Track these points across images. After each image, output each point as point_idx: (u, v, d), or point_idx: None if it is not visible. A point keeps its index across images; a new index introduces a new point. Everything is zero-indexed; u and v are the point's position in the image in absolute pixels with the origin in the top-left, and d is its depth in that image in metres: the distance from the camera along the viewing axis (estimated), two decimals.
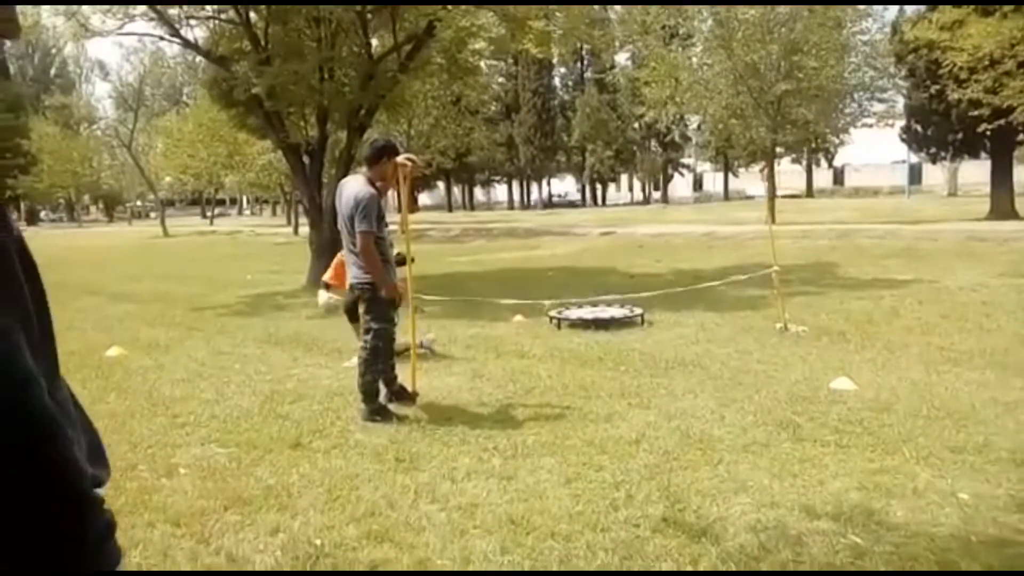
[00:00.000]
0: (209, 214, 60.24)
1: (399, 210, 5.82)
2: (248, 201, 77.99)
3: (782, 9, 23.09)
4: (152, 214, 71.45)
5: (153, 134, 52.16)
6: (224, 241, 33.30)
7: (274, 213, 66.00)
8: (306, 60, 12.25)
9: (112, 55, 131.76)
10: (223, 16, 12.88)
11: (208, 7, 12.75)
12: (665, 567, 3.12)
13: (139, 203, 74.77)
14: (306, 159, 13.55)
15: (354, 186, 5.21)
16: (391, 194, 5.80)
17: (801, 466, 4.16)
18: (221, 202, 71.14)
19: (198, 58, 16.79)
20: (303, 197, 14.26)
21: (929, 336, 7.55)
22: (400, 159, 5.33)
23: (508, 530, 3.50)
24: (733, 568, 3.08)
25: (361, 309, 5.38)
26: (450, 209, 59.64)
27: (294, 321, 9.94)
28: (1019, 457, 4.13)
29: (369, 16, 12.12)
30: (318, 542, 3.44)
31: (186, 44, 13.34)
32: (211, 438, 5.01)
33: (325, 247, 13.24)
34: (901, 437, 4.56)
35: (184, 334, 9.22)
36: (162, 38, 13.71)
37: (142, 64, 50.45)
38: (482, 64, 16.86)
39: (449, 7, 11.27)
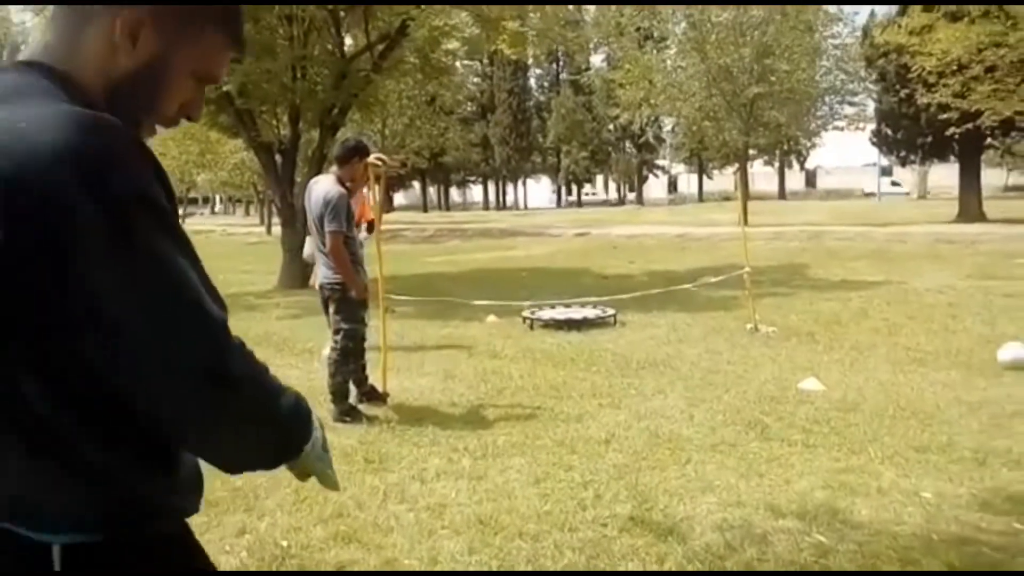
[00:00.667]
0: (180, 213, 59.68)
1: (387, 211, 5.81)
2: (221, 200, 77.35)
3: (755, 12, 23.33)
4: None
5: None
6: (195, 241, 32.75)
7: (247, 212, 65.53)
8: (278, 58, 12.17)
9: None
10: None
11: None
12: (631, 566, 3.13)
13: None
14: (278, 158, 13.46)
15: (323, 186, 5.18)
16: (367, 193, 5.79)
17: (768, 465, 4.20)
18: (193, 201, 70.39)
19: None
20: (275, 196, 14.17)
21: (896, 337, 7.65)
22: (371, 159, 5.31)
23: (476, 530, 3.50)
24: (699, 567, 3.10)
25: (331, 310, 5.35)
26: (425, 209, 59.52)
27: (265, 321, 9.86)
28: (981, 456, 4.19)
29: (342, 15, 12.05)
30: (284, 543, 3.42)
31: None
32: None
33: (298, 247, 13.15)
34: (867, 437, 4.62)
35: None
36: None
37: None
38: (457, 64, 16.84)
39: (423, 7, 11.24)
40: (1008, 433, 4.57)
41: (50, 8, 1.39)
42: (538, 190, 66.72)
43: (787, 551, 3.21)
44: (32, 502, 1.03)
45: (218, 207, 79.91)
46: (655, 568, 3.11)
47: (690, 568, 3.10)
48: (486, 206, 63.45)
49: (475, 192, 70.71)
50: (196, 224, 50.71)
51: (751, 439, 4.66)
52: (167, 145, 38.98)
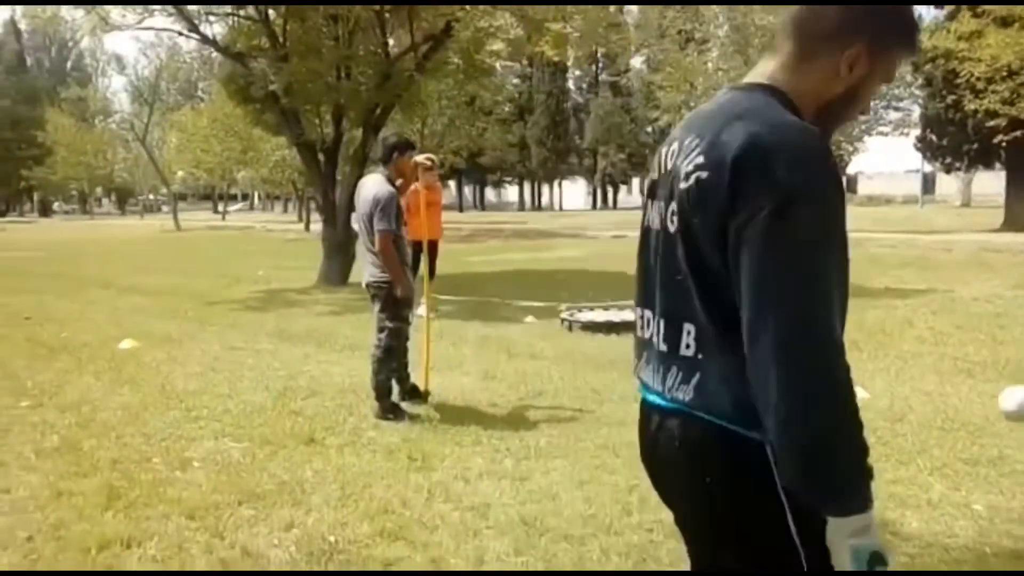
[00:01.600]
0: (221, 209, 60.52)
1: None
2: (260, 197, 78.31)
3: None
4: (164, 208, 71.83)
5: (167, 128, 52.48)
6: (236, 236, 33.42)
7: (285, 210, 66.25)
8: (323, 58, 12.30)
9: (129, 49, 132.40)
10: (242, 13, 12.94)
11: (227, 5, 12.81)
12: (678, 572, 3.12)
13: (151, 197, 75.18)
14: (321, 157, 13.59)
15: (373, 185, 5.22)
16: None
17: None
18: (233, 197, 71.48)
19: (214, 53, 16.84)
20: (317, 194, 14.31)
21: (942, 347, 7.51)
22: (420, 158, 5.35)
23: (521, 531, 3.51)
24: None
25: (376, 308, 5.39)
26: (461, 209, 59.69)
27: (306, 317, 9.97)
28: None
29: (387, 15, 12.14)
30: (332, 538, 3.46)
31: (204, 40, 13.41)
32: (224, 432, 5.04)
33: (338, 245, 13.31)
34: (915, 448, 4.54)
35: (197, 328, 9.27)
36: (180, 33, 13.77)
37: (158, 58, 50.78)
38: (497, 65, 16.86)
39: (467, 8, 11.29)
40: None
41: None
42: (573, 191, 66.59)
43: None
44: (746, 405, 1.32)
45: (256, 203, 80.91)
46: None
47: None
48: (521, 207, 63.48)
49: (510, 192, 70.75)
50: (236, 220, 51.46)
51: None
52: (210, 142, 39.72)
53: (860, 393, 5.60)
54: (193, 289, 13.33)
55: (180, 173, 51.60)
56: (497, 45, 12.73)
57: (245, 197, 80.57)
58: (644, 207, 1.60)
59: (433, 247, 9.47)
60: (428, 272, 9.41)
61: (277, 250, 24.01)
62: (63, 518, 3.67)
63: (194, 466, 4.43)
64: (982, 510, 3.64)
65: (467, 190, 66.76)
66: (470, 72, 13.76)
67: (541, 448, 4.64)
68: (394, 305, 5.28)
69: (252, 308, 11.05)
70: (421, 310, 8.15)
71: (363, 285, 5.45)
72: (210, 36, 13.55)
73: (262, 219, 52.56)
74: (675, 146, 1.47)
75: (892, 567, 1.31)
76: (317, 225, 27.77)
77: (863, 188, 63.91)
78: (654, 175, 1.56)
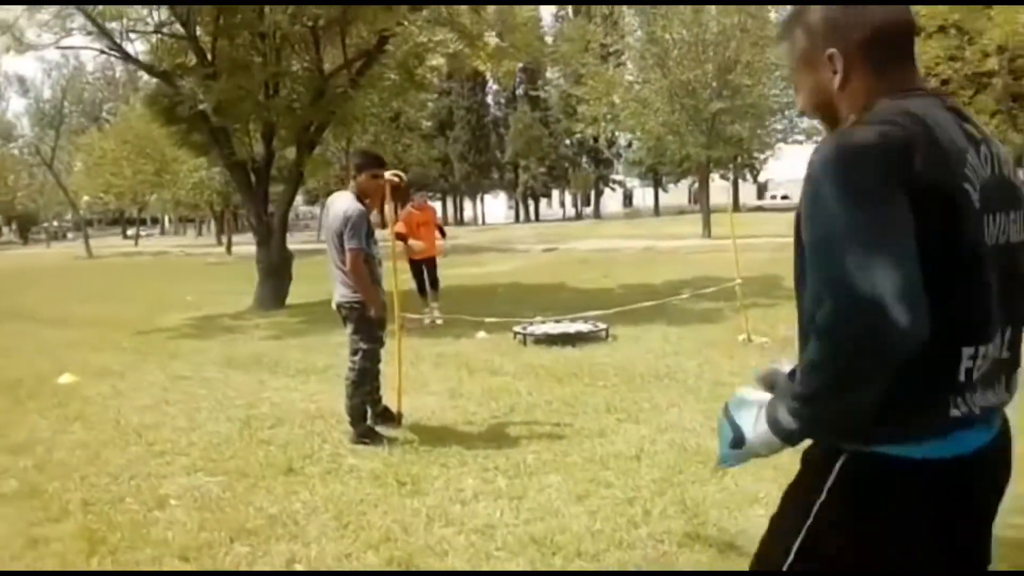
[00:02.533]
0: (132, 234, 58.40)
1: (382, 226, 5.74)
2: (170, 220, 75.89)
3: (714, 30, 23.74)
4: (70, 235, 68.89)
5: (73, 152, 50.45)
6: (152, 262, 32.30)
7: (199, 233, 64.38)
8: (253, 75, 12.00)
9: (31, 69, 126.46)
10: (166, 30, 12.52)
11: (152, 22, 12.35)
12: None
13: (56, 223, 72.01)
14: (252, 176, 13.24)
15: (342, 202, 5.09)
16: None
17: None
18: (143, 222, 69.17)
19: (118, 73, 16.20)
20: (249, 215, 13.92)
21: None
22: (388, 175, 5.24)
23: (533, 551, 3.44)
24: None
25: (348, 329, 5.25)
26: (383, 226, 59.14)
27: (250, 343, 9.67)
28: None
29: (319, 31, 11.94)
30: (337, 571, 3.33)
31: (127, 58, 12.91)
32: (196, 467, 4.81)
33: (273, 267, 12.98)
34: None
35: (136, 359, 8.88)
36: (102, 51, 13.19)
37: (63, 79, 48.83)
38: (435, 80, 16.80)
39: (404, 23, 11.20)
40: None
41: None
42: (496, 206, 66.84)
43: None
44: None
45: (168, 227, 78.38)
46: None
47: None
48: (445, 222, 63.22)
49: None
50: (149, 245, 49.73)
51: None
52: (120, 165, 38.35)
53: None
54: (121, 318, 12.78)
55: (86, 198, 49.59)
56: (437, 60, 12.67)
57: (155, 221, 77.99)
58: (964, 223, 1.35)
59: (431, 263, 10.54)
60: (430, 285, 10.50)
61: (200, 274, 23.29)
62: (46, 567, 3.43)
63: (172, 504, 4.21)
64: None
65: (387, 208, 66.15)
66: (406, 87, 13.65)
67: (530, 465, 4.58)
68: (367, 326, 5.15)
69: (189, 336, 10.66)
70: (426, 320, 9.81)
71: (333, 306, 5.30)
72: (132, 55, 13.05)
73: (176, 243, 50.95)
74: (986, 152, 1.42)
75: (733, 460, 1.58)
76: (239, 247, 27.11)
77: (773, 193, 66.15)
78: (974, 189, 1.36)
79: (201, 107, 11.47)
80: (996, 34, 18.35)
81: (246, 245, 24.10)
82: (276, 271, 12.79)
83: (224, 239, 36.16)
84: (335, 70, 12.39)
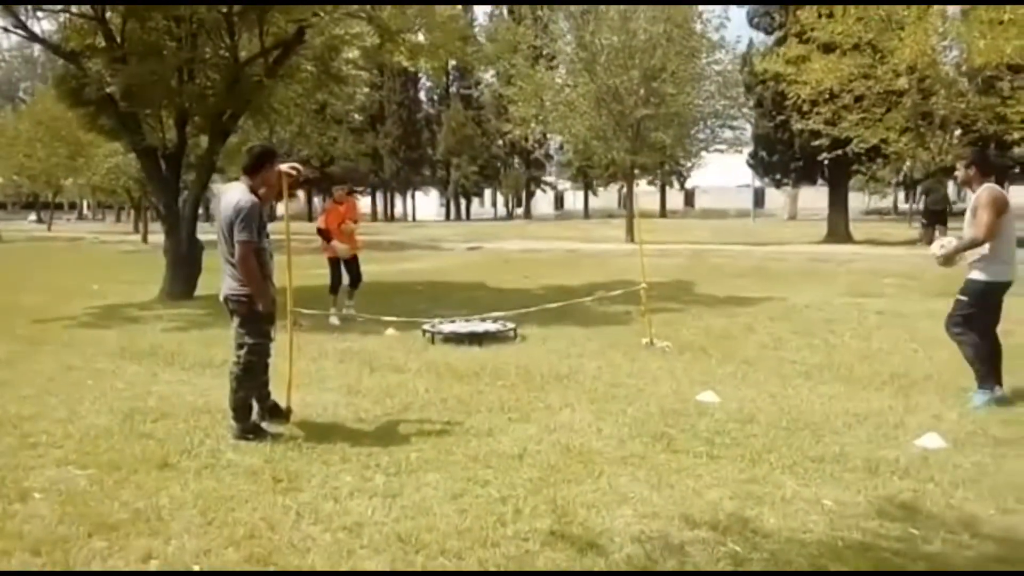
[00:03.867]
0: (46, 219, 56.14)
1: (270, 219, 5.65)
2: (89, 206, 73.28)
3: (641, 37, 24.08)
4: None
5: None
6: (64, 248, 31.14)
7: (118, 219, 62.33)
8: (165, 60, 11.67)
9: None
10: (75, 9, 12.07)
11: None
12: None
13: None
14: (163, 164, 12.87)
15: (235, 193, 4.99)
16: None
17: (677, 476, 4.32)
18: (59, 206, 66.52)
19: (36, 52, 15.63)
20: (158, 203, 13.53)
21: (782, 351, 8.02)
22: (285, 168, 5.16)
23: (397, 549, 3.44)
24: None
25: (234, 323, 5.15)
26: (310, 219, 58.22)
27: (150, 334, 9.40)
28: (872, 465, 4.44)
29: (235, 18, 11.67)
30: (196, 567, 3.27)
31: (32, 38, 12.41)
32: (67, 459, 4.66)
33: (182, 257, 12.66)
34: (766, 447, 4.81)
35: (28, 348, 8.54)
36: (6, 30, 12.64)
37: None
38: (352, 73, 16.59)
39: (321, 13, 11.03)
40: (894, 444, 4.87)
41: None
42: (427, 203, 66.48)
43: (705, 561, 3.31)
44: None
45: (86, 213, 75.64)
46: None
47: None
48: (374, 217, 62.67)
49: (363, 203, 69.74)
50: (64, 230, 47.90)
51: (658, 451, 4.78)
52: (33, 147, 36.83)
53: (711, 397, 5.91)
54: (20, 305, 12.29)
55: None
56: (353, 53, 12.50)
57: (73, 206, 75.21)
58: None
59: (354, 259, 10.39)
60: (350, 283, 10.34)
61: (112, 262, 22.55)
62: None
63: (35, 497, 4.07)
64: (832, 505, 3.90)
65: (316, 200, 65.20)
66: (324, 79, 13.45)
67: (412, 462, 4.58)
68: (255, 320, 5.07)
69: (89, 325, 10.31)
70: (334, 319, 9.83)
71: (220, 299, 5.20)
72: (39, 34, 12.54)
73: (93, 229, 49.20)
74: None
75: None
76: (155, 236, 26.28)
77: (700, 202, 67.47)
78: None
79: (109, 90, 11.10)
80: (906, 54, 19.09)
81: (163, 234, 23.40)
82: (185, 261, 12.47)
83: (141, 227, 35.08)
84: (251, 59, 12.13)
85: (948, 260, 5.99)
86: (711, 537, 3.52)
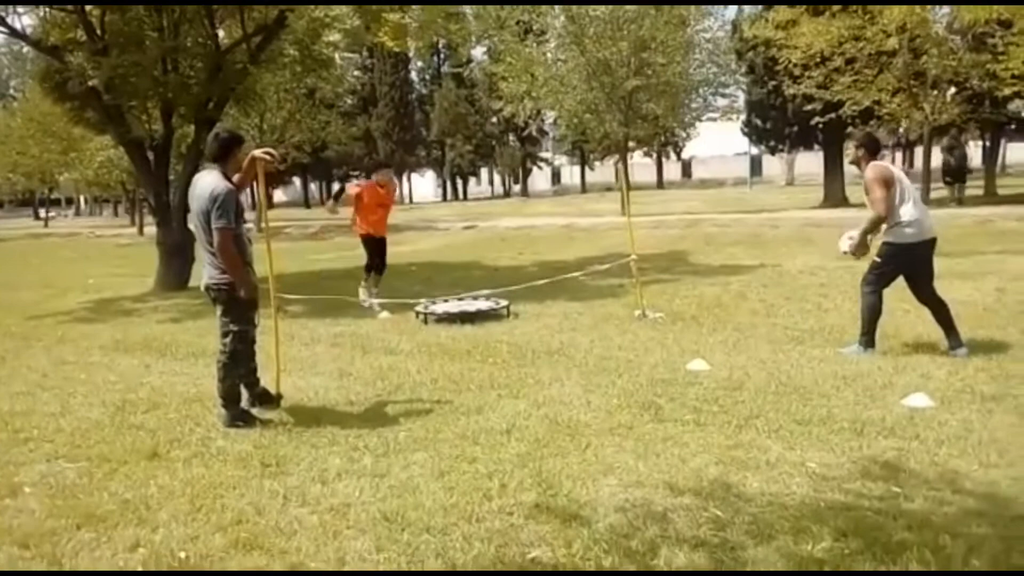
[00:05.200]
0: (43, 215, 56.05)
1: (253, 207, 5.63)
2: (86, 201, 73.13)
3: (630, 8, 23.85)
4: None
5: None
6: (61, 243, 31.13)
7: (115, 213, 62.18)
8: (147, 50, 11.60)
9: None
10: (54, 4, 11.97)
11: None
12: (539, 552, 3.18)
13: None
14: (150, 155, 12.83)
15: (210, 180, 4.97)
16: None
17: (664, 445, 4.34)
18: (56, 202, 66.39)
19: (26, 48, 15.53)
20: (148, 195, 13.50)
21: (774, 317, 8.03)
22: (257, 153, 5.14)
23: (383, 527, 3.47)
24: (605, 548, 3.16)
25: (218, 311, 5.16)
26: (307, 205, 58.13)
27: (144, 326, 9.42)
28: (858, 427, 4.47)
29: (215, 6, 11.58)
30: (182, 554, 3.30)
31: (13, 33, 12.31)
32: (58, 453, 4.69)
33: (175, 247, 12.66)
34: (753, 413, 4.83)
35: (21, 344, 8.57)
36: None
37: None
38: (336, 57, 16.48)
39: None
40: (881, 404, 4.88)
41: None
42: (423, 184, 66.25)
43: (687, 527, 3.33)
44: None
45: (83, 208, 75.51)
46: (563, 552, 3.16)
47: (596, 549, 3.16)
48: None
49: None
50: (61, 226, 47.84)
51: (646, 421, 4.80)
52: (26, 144, 36.66)
53: (701, 365, 5.92)
54: (16, 302, 12.32)
55: None
56: (334, 36, 12.41)
57: (70, 202, 75.06)
58: None
59: (384, 242, 10.10)
60: (377, 268, 9.98)
61: (108, 256, 22.56)
62: None
63: (25, 492, 4.10)
64: (816, 467, 3.92)
65: (313, 186, 65.05)
66: (308, 64, 13.36)
67: (400, 442, 4.60)
68: (237, 307, 5.07)
69: (83, 320, 10.33)
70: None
71: (202, 288, 5.20)
72: (19, 29, 12.45)
73: (90, 224, 49.11)
74: None
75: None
76: (151, 228, 26.29)
77: (697, 172, 67.20)
78: None
79: (92, 84, 11.04)
80: (895, 13, 18.90)
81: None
82: (178, 251, 12.46)
83: (136, 219, 35.01)
84: (232, 45, 12.05)
85: (860, 248, 6.33)
86: (694, 503, 3.55)
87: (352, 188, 10.18)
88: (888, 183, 6.03)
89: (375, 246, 9.97)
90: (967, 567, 2.89)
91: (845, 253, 6.48)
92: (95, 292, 13.25)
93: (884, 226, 6.15)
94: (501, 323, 8.47)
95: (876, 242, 6.32)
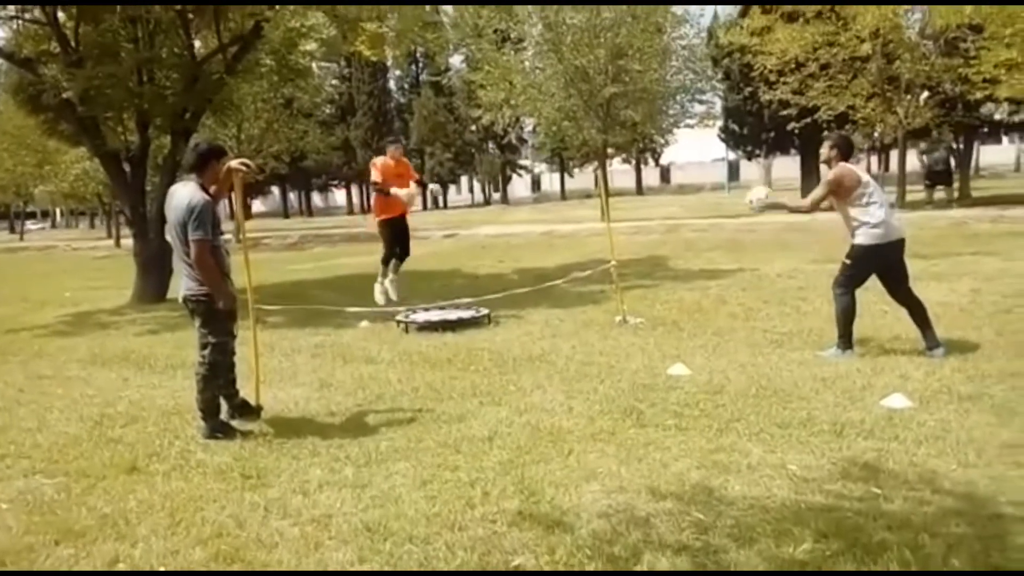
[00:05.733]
0: (19, 229, 55.40)
1: (231, 217, 5.60)
2: (62, 213, 72.40)
3: (607, 14, 23.98)
4: None
5: None
6: (37, 257, 30.81)
7: (92, 226, 61.64)
8: (122, 62, 11.51)
9: None
10: (27, 16, 11.87)
11: (11, 8, 11.66)
12: (523, 560, 3.17)
13: None
14: (127, 167, 12.73)
15: (186, 192, 4.94)
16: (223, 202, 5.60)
17: (646, 450, 4.35)
18: (32, 215, 65.70)
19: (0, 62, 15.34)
20: (125, 207, 13.39)
21: (753, 321, 8.08)
22: (234, 164, 5.11)
23: (365, 538, 3.45)
24: (588, 554, 3.16)
25: (196, 323, 5.12)
26: (286, 215, 57.93)
27: (122, 339, 9.33)
28: (838, 428, 4.50)
29: (190, 16, 11.52)
30: (162, 568, 3.26)
31: None
32: (35, 469, 4.63)
33: (152, 259, 12.55)
34: (734, 416, 4.86)
35: None
36: None
37: None
38: (314, 66, 16.44)
39: (276, 7, 10.90)
40: (860, 406, 4.92)
41: None
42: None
43: (669, 531, 3.34)
44: None
45: (59, 221, 74.73)
46: (547, 559, 3.15)
47: (579, 555, 3.16)
48: (351, 210, 62.37)
49: (338, 196, 69.32)
50: (37, 239, 47.33)
51: (628, 426, 4.81)
52: (0, 157, 36.23)
53: (682, 370, 5.95)
54: None
55: None
56: (311, 45, 12.38)
57: (46, 215, 74.28)
58: None
59: (405, 223, 9.62)
60: (401, 250, 9.57)
61: (85, 269, 22.32)
62: None
63: (2, 508, 4.04)
64: (796, 469, 3.94)
65: (292, 196, 64.81)
66: (284, 73, 13.32)
67: (382, 452, 4.58)
68: (216, 319, 5.04)
69: (60, 333, 10.21)
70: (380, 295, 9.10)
71: (180, 299, 5.16)
72: None
73: (66, 237, 48.62)
74: None
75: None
76: (128, 240, 26.06)
77: (675, 178, 67.62)
78: None
79: (66, 96, 10.95)
80: (869, 19, 19.15)
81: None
82: (155, 264, 12.35)
83: (113, 231, 34.70)
84: (208, 55, 11.99)
85: (764, 209, 6.65)
86: (676, 507, 3.55)
87: (374, 176, 9.38)
88: (840, 191, 6.13)
89: (397, 231, 9.42)
90: (946, 566, 2.91)
91: (749, 202, 6.59)
92: (72, 305, 13.10)
93: (855, 227, 6.21)
94: (482, 331, 8.47)
95: (845, 246, 6.41)
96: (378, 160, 9.45)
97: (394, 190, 8.82)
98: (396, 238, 9.45)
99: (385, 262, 9.48)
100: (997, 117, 25.12)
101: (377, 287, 9.51)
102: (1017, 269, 10.33)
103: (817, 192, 6.33)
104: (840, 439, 4.35)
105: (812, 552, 3.07)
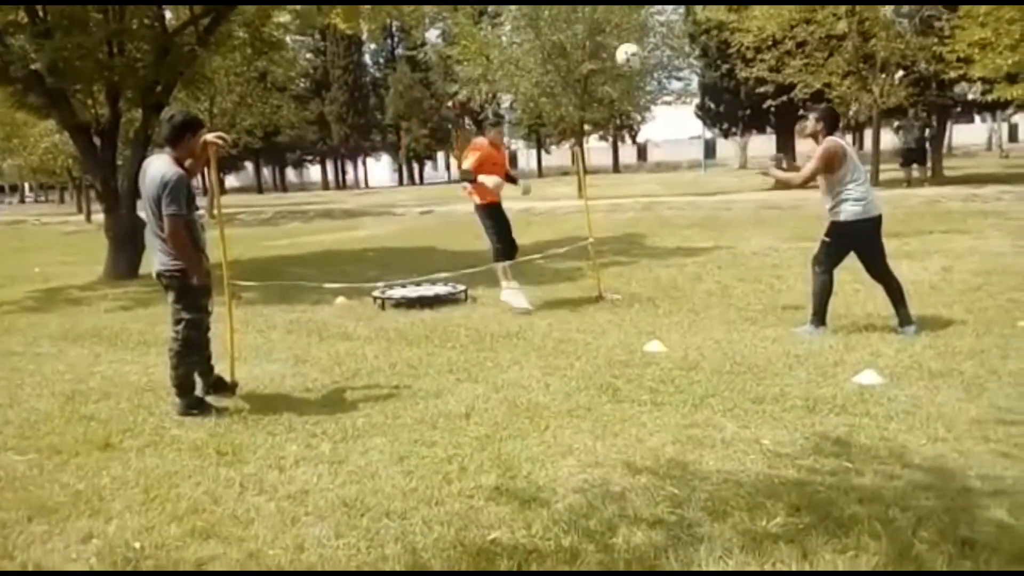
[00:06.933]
0: None
1: (205, 193, 5.53)
2: (31, 188, 71.17)
3: None
4: None
5: None
6: (5, 232, 30.29)
7: (61, 200, 60.64)
8: (92, 33, 11.27)
9: None
10: None
11: None
12: (499, 534, 3.19)
13: None
14: (97, 140, 12.51)
15: (160, 166, 4.86)
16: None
17: (622, 425, 4.38)
18: (0, 189, 64.54)
19: None
20: (95, 181, 13.18)
21: (728, 298, 8.14)
22: (210, 137, 5.04)
23: (342, 513, 3.45)
24: (564, 528, 3.19)
25: (170, 298, 5.07)
26: (260, 191, 57.30)
27: (93, 315, 9.21)
28: (810, 404, 4.56)
29: None
30: (137, 545, 3.24)
31: None
32: (7, 445, 4.58)
33: (124, 235, 12.40)
34: (708, 392, 4.90)
35: None
36: None
37: None
38: (288, 39, 16.21)
39: None
40: (832, 382, 4.99)
41: None
42: (379, 169, 65.60)
43: (644, 505, 3.37)
44: None
45: (28, 195, 73.47)
46: (523, 533, 3.18)
47: (555, 529, 3.19)
48: (325, 186, 61.83)
49: (313, 172, 68.63)
50: (5, 214, 46.52)
51: (604, 402, 4.84)
52: None
53: (658, 347, 5.98)
54: None
55: None
56: (285, 17, 12.19)
57: (14, 189, 72.98)
58: None
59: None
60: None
61: (55, 244, 22.01)
62: None
63: None
64: (769, 444, 3.99)
65: (266, 171, 64.08)
66: (257, 46, 13.11)
67: (359, 428, 4.58)
68: (190, 294, 4.99)
69: (30, 309, 10.07)
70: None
71: (153, 275, 5.10)
72: None
73: (35, 212, 47.84)
74: None
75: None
76: (98, 215, 25.69)
77: (652, 155, 67.63)
78: None
79: (34, 67, 10.71)
80: None
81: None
82: (127, 239, 12.20)
83: (84, 206, 34.16)
84: (180, 27, 11.78)
85: (765, 171, 7.00)
86: (651, 482, 3.59)
87: (466, 163, 8.14)
88: (832, 164, 6.13)
89: (501, 218, 8.33)
90: (916, 539, 2.97)
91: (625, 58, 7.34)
92: (42, 281, 12.93)
93: (831, 204, 6.24)
94: (459, 307, 8.46)
95: (820, 224, 6.45)
96: (480, 141, 8.27)
97: (482, 177, 7.80)
98: (502, 227, 8.35)
99: (498, 258, 8.23)
100: (970, 97, 25.30)
101: (507, 292, 8.11)
102: (987, 247, 10.49)
103: (809, 167, 6.31)
104: (812, 414, 4.40)
105: (785, 525, 3.11)
